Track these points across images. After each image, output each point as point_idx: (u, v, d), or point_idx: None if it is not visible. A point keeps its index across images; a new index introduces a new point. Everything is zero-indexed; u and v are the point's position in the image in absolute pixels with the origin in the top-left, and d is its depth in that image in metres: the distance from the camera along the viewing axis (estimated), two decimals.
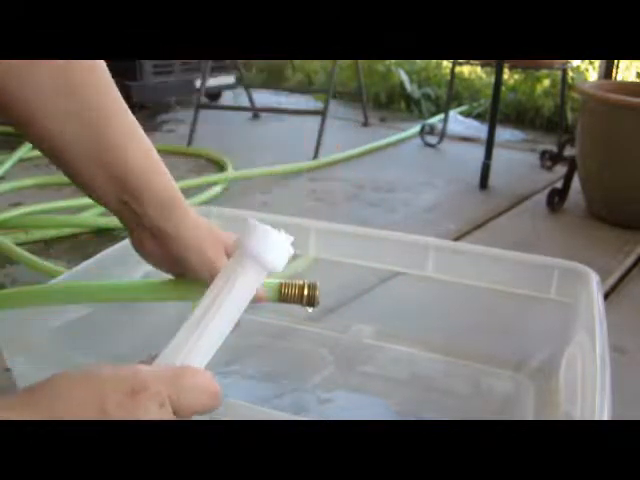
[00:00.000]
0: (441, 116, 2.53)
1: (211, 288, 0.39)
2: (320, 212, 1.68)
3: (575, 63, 2.78)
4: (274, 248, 0.38)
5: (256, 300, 0.44)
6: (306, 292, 0.55)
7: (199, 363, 0.37)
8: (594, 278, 0.72)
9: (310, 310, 0.56)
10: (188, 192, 1.74)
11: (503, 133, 2.60)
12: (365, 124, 2.74)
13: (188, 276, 0.56)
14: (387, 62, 3.18)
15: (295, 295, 0.55)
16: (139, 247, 0.56)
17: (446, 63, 3.14)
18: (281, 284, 0.55)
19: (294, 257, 0.43)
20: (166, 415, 0.33)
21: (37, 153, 2.06)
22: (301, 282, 0.56)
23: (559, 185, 1.82)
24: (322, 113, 2.19)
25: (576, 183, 1.80)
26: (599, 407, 0.49)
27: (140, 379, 0.33)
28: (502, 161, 2.17)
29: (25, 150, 2.01)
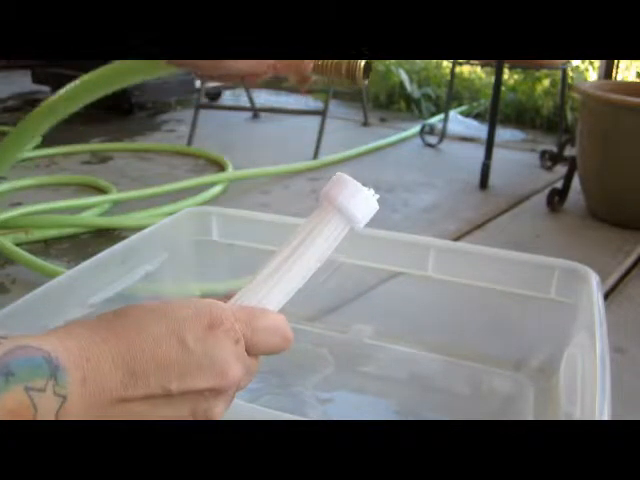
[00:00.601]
0: (441, 116, 2.53)
1: (295, 234, 0.39)
2: None
3: (575, 63, 2.78)
4: (362, 204, 0.39)
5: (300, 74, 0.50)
6: (345, 65, 0.51)
7: (275, 306, 0.38)
8: (594, 278, 0.72)
9: (365, 82, 0.53)
10: (188, 192, 1.74)
11: (503, 133, 2.60)
12: (365, 124, 2.74)
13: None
14: (387, 62, 3.18)
15: (331, 66, 0.51)
16: None
17: (446, 63, 3.14)
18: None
19: None
20: (240, 351, 0.34)
21: (37, 153, 2.06)
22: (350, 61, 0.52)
23: (559, 185, 1.82)
24: (322, 113, 2.19)
25: (576, 183, 1.80)
26: (599, 407, 0.49)
27: (217, 315, 0.34)
28: (502, 161, 2.17)
29: (25, 150, 2.01)
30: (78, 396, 0.30)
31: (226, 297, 0.38)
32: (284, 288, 0.38)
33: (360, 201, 0.38)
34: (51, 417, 0.29)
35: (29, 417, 0.28)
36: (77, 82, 0.56)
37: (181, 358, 0.32)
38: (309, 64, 0.50)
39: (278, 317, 0.37)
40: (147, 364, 0.32)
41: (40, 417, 0.28)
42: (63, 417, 0.29)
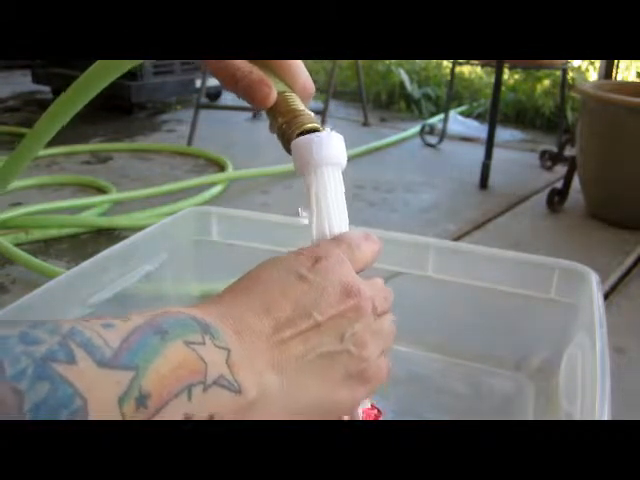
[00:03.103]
0: (441, 116, 2.53)
1: (309, 203, 0.41)
2: None
3: (575, 63, 2.78)
4: (336, 149, 0.40)
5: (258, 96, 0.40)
6: (279, 124, 0.40)
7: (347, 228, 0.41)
8: (594, 278, 0.72)
9: None
10: (188, 192, 1.74)
11: (503, 133, 2.60)
12: (365, 124, 2.74)
13: None
14: (387, 62, 3.18)
15: (276, 115, 0.41)
16: None
17: (446, 63, 3.14)
18: (283, 93, 0.41)
19: None
20: (353, 272, 0.36)
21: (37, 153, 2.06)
22: (304, 114, 0.41)
23: (559, 185, 1.82)
24: (322, 113, 2.19)
25: (576, 183, 1.80)
26: (599, 407, 0.49)
27: (319, 249, 0.36)
28: (502, 161, 2.17)
29: None
30: (238, 347, 0.30)
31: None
32: (342, 218, 0.41)
33: (333, 148, 0.40)
34: (223, 370, 0.29)
35: (200, 371, 0.28)
36: (73, 86, 0.56)
37: (307, 290, 0.34)
38: (268, 100, 0.40)
39: (360, 231, 0.40)
40: (284, 307, 0.33)
41: (211, 369, 0.28)
42: (233, 368, 0.29)
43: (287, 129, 0.40)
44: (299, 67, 0.42)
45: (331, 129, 0.41)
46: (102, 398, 0.24)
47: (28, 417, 0.22)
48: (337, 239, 0.38)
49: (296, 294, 0.33)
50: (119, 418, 0.25)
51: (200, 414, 0.28)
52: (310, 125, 0.40)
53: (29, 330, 0.24)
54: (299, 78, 0.42)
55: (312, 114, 0.41)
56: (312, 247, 0.37)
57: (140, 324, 0.27)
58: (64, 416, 0.23)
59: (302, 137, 0.40)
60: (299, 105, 0.41)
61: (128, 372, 0.25)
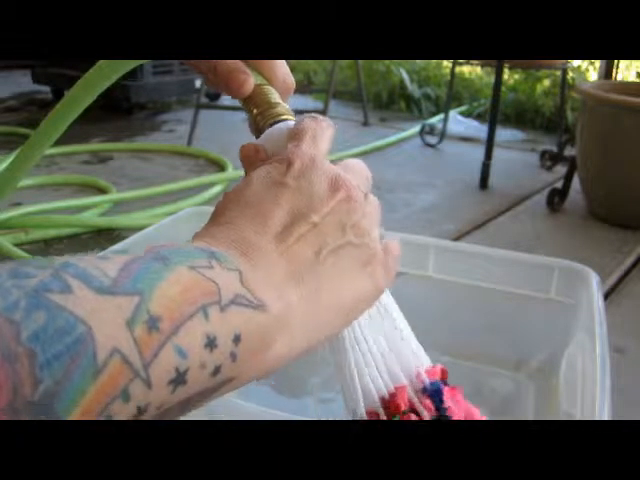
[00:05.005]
0: (441, 116, 2.53)
1: None
2: None
3: (575, 63, 2.78)
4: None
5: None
6: (253, 117, 0.40)
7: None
8: (594, 278, 0.72)
9: None
10: (188, 192, 1.74)
11: (503, 133, 2.60)
12: (365, 124, 2.74)
13: None
14: (387, 62, 3.18)
15: (251, 105, 0.40)
16: None
17: (446, 63, 3.14)
18: (261, 86, 0.40)
19: None
20: (324, 162, 0.34)
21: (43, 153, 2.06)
22: (279, 106, 0.40)
23: (559, 185, 1.82)
24: (322, 113, 2.19)
25: (576, 183, 1.80)
26: (599, 407, 0.49)
27: (287, 153, 0.34)
28: (502, 161, 2.17)
29: None
30: (249, 268, 0.29)
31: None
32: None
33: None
34: (239, 289, 0.28)
35: (213, 292, 0.26)
36: (76, 85, 0.56)
37: (297, 194, 0.33)
38: (244, 87, 0.39)
39: (307, 117, 0.38)
40: (280, 216, 0.32)
41: (225, 290, 0.27)
42: (249, 287, 0.28)
43: (260, 120, 0.40)
44: (279, 62, 0.41)
45: None
46: (108, 322, 0.22)
47: (27, 346, 0.20)
48: (297, 135, 0.36)
49: (288, 200, 0.32)
50: (132, 342, 0.23)
51: (224, 335, 0.26)
52: (285, 116, 0.39)
53: (18, 266, 0.22)
54: (279, 72, 0.41)
55: (288, 107, 0.41)
56: (278, 156, 0.35)
57: (138, 255, 0.26)
58: (68, 343, 0.21)
59: (277, 125, 0.39)
60: (276, 98, 0.40)
61: (132, 297, 0.24)
